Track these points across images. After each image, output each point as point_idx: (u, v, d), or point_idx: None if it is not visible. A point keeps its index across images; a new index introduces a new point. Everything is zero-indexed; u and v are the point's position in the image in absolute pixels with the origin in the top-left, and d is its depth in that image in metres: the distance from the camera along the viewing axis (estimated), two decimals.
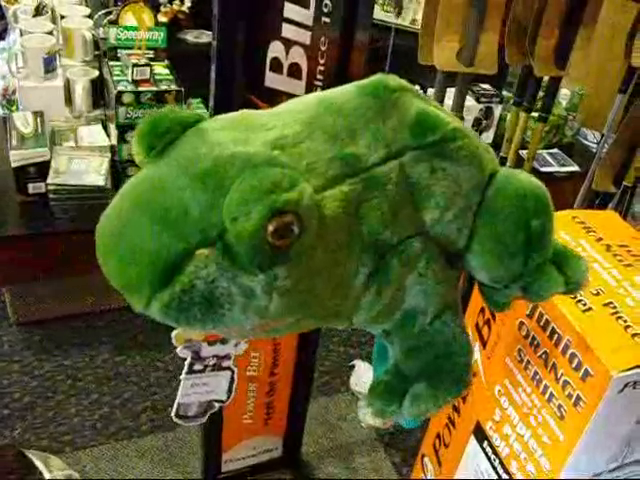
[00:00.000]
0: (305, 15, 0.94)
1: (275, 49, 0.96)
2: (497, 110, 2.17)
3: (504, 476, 0.91)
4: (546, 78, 1.38)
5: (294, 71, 0.99)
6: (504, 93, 2.37)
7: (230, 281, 0.47)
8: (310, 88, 1.02)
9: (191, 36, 2.16)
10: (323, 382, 1.89)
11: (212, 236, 0.47)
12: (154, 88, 1.75)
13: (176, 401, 0.94)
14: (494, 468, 0.94)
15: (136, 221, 0.48)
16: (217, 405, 1.00)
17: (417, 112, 0.60)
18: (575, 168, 2.33)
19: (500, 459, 0.92)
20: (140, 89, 1.74)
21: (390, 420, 1.59)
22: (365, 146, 0.57)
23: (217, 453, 1.49)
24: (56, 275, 1.84)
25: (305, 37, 0.96)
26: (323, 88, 1.02)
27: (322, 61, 0.99)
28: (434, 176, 0.59)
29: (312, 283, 0.53)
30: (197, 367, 0.96)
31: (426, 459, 1.19)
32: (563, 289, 0.68)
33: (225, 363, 1.01)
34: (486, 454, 0.96)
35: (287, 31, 0.95)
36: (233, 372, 1.03)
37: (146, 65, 1.76)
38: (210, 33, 2.25)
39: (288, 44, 0.96)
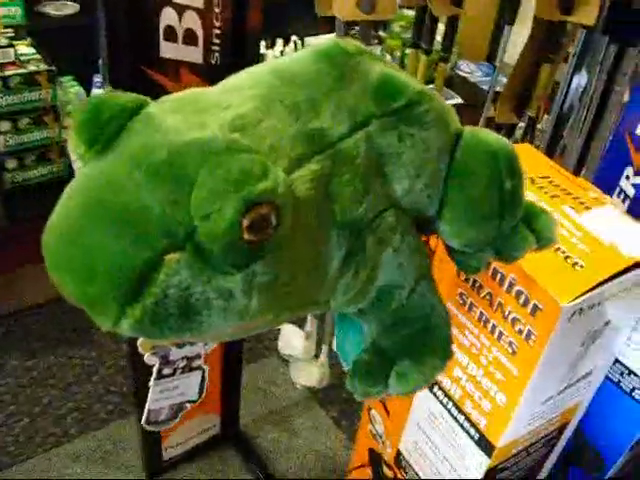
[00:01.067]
0: None
1: (167, 16, 0.89)
2: (377, 51, 2.18)
3: (459, 417, 0.93)
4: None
5: (189, 38, 0.93)
6: (381, 34, 2.38)
7: (206, 285, 0.42)
8: (208, 54, 0.96)
9: (52, 8, 2.00)
10: (247, 349, 1.87)
11: (180, 237, 0.41)
12: (22, 70, 1.62)
13: (145, 408, 0.89)
14: (448, 410, 0.96)
15: (89, 227, 0.41)
16: (188, 405, 0.96)
17: (379, 77, 0.56)
18: (459, 100, 2.39)
19: (453, 401, 0.93)
20: (7, 73, 1.60)
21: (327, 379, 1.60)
22: (329, 118, 0.52)
23: (156, 443, 1.44)
24: None
25: (197, 0, 0.90)
26: (221, 53, 0.97)
27: (218, 24, 0.94)
28: (402, 144, 0.56)
29: (292, 274, 0.48)
30: (166, 371, 0.92)
31: (373, 411, 1.20)
32: (535, 246, 0.67)
33: (195, 363, 0.97)
34: (437, 398, 0.97)
35: None
36: (204, 370, 1.00)
37: (9, 46, 1.62)
38: (72, 3, 2.12)
39: (180, 9, 0.90)
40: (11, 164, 1.70)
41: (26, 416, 1.61)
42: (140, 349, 0.68)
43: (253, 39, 0.99)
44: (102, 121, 0.45)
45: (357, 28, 1.15)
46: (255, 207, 0.40)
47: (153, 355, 0.83)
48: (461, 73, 2.67)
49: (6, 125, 1.65)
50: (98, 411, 1.62)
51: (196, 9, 0.91)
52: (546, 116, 1.60)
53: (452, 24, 1.34)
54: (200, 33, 0.94)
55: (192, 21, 0.92)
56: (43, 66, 1.64)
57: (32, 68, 1.63)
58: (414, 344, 0.64)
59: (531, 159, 0.95)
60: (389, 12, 1.06)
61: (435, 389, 0.97)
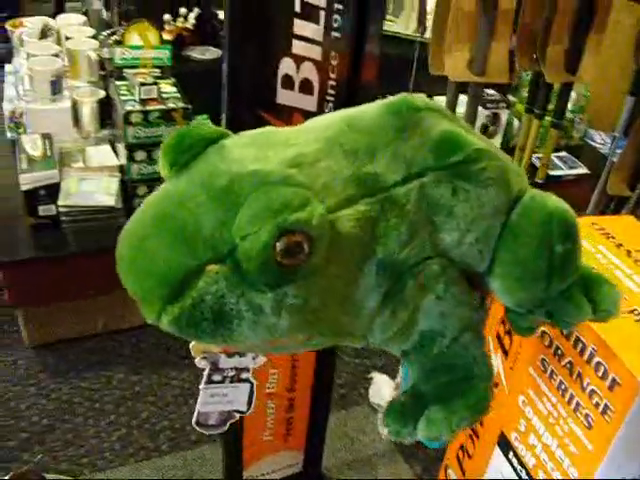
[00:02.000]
0: (315, 30, 0.94)
1: (286, 65, 0.96)
2: (504, 115, 2.16)
3: None
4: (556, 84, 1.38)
5: (305, 87, 0.99)
6: (510, 98, 2.37)
7: (239, 297, 0.48)
8: (322, 103, 1.01)
9: (196, 53, 2.18)
10: (340, 395, 1.88)
11: (223, 252, 0.47)
12: (162, 106, 1.76)
13: (196, 409, 0.94)
14: (520, 478, 0.93)
15: (153, 235, 0.49)
16: (238, 415, 1.00)
17: (440, 132, 0.59)
18: (584, 170, 2.33)
19: (527, 469, 0.91)
20: (148, 108, 1.75)
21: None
22: (384, 166, 0.56)
23: (238, 470, 1.48)
24: (69, 297, 1.85)
25: (316, 52, 0.96)
26: (335, 103, 1.02)
27: (333, 76, 0.99)
28: (455, 197, 0.58)
29: (323, 302, 0.52)
30: (216, 378, 0.96)
31: (450, 470, 1.18)
32: (590, 317, 0.66)
33: (244, 375, 1.01)
34: (512, 464, 0.95)
35: (297, 47, 0.94)
36: (252, 384, 1.03)
37: (153, 84, 1.77)
38: (214, 49, 2.28)
39: (299, 60, 0.96)
40: (142, 190, 1.83)
41: (124, 427, 1.69)
42: (192, 352, 0.73)
43: (367, 92, 1.04)
44: (183, 147, 0.53)
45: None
46: (289, 234, 0.45)
47: (203, 359, 0.88)
48: (592, 143, 2.61)
49: (142, 155, 1.79)
50: (190, 433, 1.68)
51: (314, 60, 0.97)
52: None
53: (566, 90, 1.33)
54: (316, 83, 1.00)
55: (309, 71, 0.98)
56: (180, 104, 1.78)
57: (171, 105, 1.77)
58: (448, 392, 0.64)
59: (632, 231, 0.93)
60: (500, 75, 1.08)
61: (510, 455, 0.95)
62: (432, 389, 0.65)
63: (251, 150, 0.52)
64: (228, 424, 1.02)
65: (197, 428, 0.97)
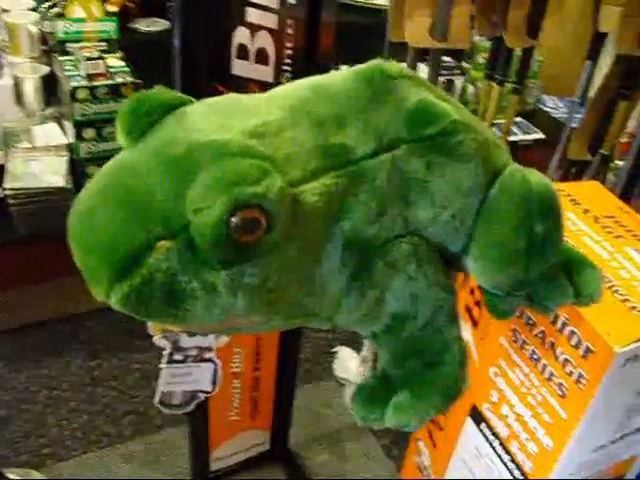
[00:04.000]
0: None
1: (240, 35, 0.92)
2: (459, 82, 2.16)
3: (505, 456, 0.90)
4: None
5: (261, 57, 0.95)
6: (464, 64, 2.36)
7: (192, 276, 0.44)
8: (278, 73, 0.98)
9: (143, 25, 2.09)
10: (305, 370, 1.87)
11: (175, 227, 0.43)
12: (110, 81, 1.69)
13: (158, 389, 0.91)
14: (493, 449, 0.93)
15: (101, 208, 0.45)
16: (202, 396, 0.97)
17: (415, 102, 0.55)
18: (540, 135, 2.34)
19: (500, 440, 0.91)
20: (95, 83, 1.68)
21: None
22: (354, 137, 0.52)
23: (205, 452, 1.46)
24: (20, 282, 1.78)
25: (271, 21, 0.92)
26: (292, 73, 0.98)
27: (289, 45, 0.96)
28: (430, 172, 0.55)
29: (283, 281, 0.49)
30: (177, 357, 0.94)
31: (420, 443, 1.18)
32: (572, 300, 0.64)
33: (207, 355, 0.98)
34: (484, 435, 0.95)
35: (252, 15, 0.91)
36: (216, 364, 1.00)
37: (99, 58, 1.70)
38: (162, 21, 2.20)
39: (254, 29, 0.92)
40: (92, 170, 1.77)
41: (85, 414, 1.65)
42: (150, 330, 0.69)
43: (324, 62, 1.00)
44: (140, 113, 0.48)
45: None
46: (245, 209, 0.42)
47: (163, 338, 0.85)
48: (545, 108, 2.62)
49: (91, 132, 1.72)
50: (153, 416, 1.65)
51: (269, 29, 0.94)
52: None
53: (527, 56, 1.32)
54: (272, 53, 0.96)
55: (265, 40, 0.94)
56: (129, 78, 1.71)
57: (119, 80, 1.70)
58: (418, 378, 0.61)
59: (598, 197, 0.92)
60: (462, 41, 1.05)
61: (482, 425, 0.94)
62: (402, 374, 0.62)
63: (212, 118, 0.48)
64: (194, 404, 0.99)
65: (161, 408, 0.95)
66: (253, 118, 0.49)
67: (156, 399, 0.93)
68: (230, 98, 0.53)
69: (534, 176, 0.59)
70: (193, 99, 0.52)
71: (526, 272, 0.59)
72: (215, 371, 0.96)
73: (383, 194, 0.53)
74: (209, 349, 0.97)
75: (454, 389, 0.61)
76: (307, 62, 0.98)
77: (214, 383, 0.97)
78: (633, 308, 0.74)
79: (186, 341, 0.92)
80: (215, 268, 0.44)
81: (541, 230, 0.57)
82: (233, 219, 0.41)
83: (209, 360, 0.99)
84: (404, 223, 0.55)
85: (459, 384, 0.61)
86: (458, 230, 0.58)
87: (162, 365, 0.91)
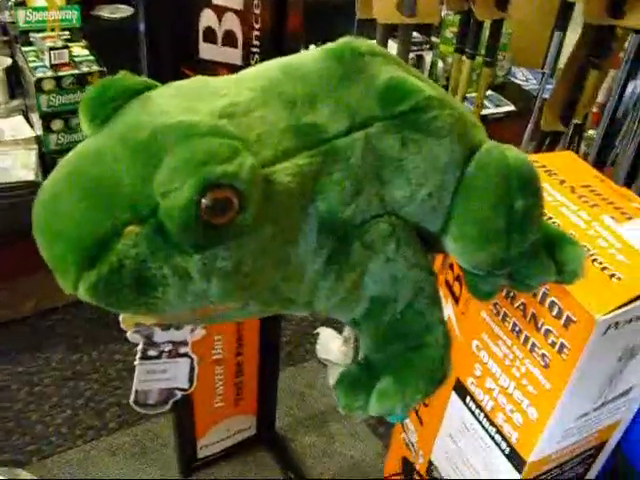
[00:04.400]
0: None
1: (207, 17, 0.90)
2: (428, 57, 2.16)
3: (490, 429, 0.91)
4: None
5: (229, 39, 0.94)
6: (433, 39, 2.36)
7: (163, 262, 0.43)
8: (247, 56, 0.96)
9: (106, 12, 2.06)
10: (287, 352, 1.87)
11: (143, 212, 0.42)
12: (75, 71, 1.66)
13: (133, 387, 0.89)
14: (479, 422, 0.93)
15: (66, 194, 0.43)
16: (179, 393, 0.96)
17: (386, 80, 0.54)
18: (512, 107, 2.35)
19: (485, 413, 0.91)
20: (60, 73, 1.65)
21: None
22: (326, 115, 0.52)
23: (191, 440, 1.46)
24: None
25: (237, 2, 0.90)
26: (261, 55, 0.97)
27: (257, 26, 0.94)
28: (405, 149, 0.53)
29: (258, 265, 0.47)
30: (151, 353, 0.91)
31: (406, 420, 1.18)
32: (553, 278, 0.63)
33: (182, 349, 0.96)
34: (469, 409, 0.95)
35: None
36: (192, 359, 0.99)
37: (64, 47, 1.67)
38: (126, 7, 2.17)
39: (220, 11, 0.90)
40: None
41: (69, 408, 1.64)
42: (122, 325, 0.68)
43: (293, 42, 0.99)
44: (104, 99, 0.47)
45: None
46: (215, 189, 0.40)
47: (136, 333, 0.83)
48: (515, 80, 2.63)
49: (59, 124, 1.69)
50: None
51: (235, 11, 0.92)
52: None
53: (497, 28, 1.31)
54: (239, 35, 0.94)
55: (231, 23, 0.93)
56: (95, 67, 1.68)
57: (85, 69, 1.67)
58: (401, 362, 0.59)
59: (573, 167, 0.92)
60: (431, 16, 1.04)
61: (467, 399, 0.95)
62: (384, 359, 0.60)
63: (178, 101, 0.47)
64: (170, 403, 0.98)
65: (136, 408, 0.93)
66: (222, 99, 0.48)
67: (131, 398, 0.92)
68: (197, 80, 0.52)
69: (511, 152, 0.58)
70: (158, 84, 0.51)
71: (507, 250, 0.57)
72: (192, 367, 0.94)
73: (358, 173, 0.52)
74: (184, 343, 0.95)
75: (439, 372, 0.60)
76: (276, 43, 0.97)
77: (191, 380, 0.96)
78: (612, 276, 0.74)
79: (160, 335, 0.90)
80: (187, 253, 0.43)
81: (521, 206, 0.56)
82: (203, 200, 0.40)
83: (185, 355, 0.97)
84: (380, 203, 0.54)
85: (444, 367, 0.60)
86: (436, 209, 0.57)
87: (136, 362, 0.90)
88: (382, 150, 0.53)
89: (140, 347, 0.88)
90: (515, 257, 0.59)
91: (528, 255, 0.60)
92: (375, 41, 1.14)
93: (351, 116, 0.52)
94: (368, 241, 0.54)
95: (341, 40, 0.56)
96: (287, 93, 0.51)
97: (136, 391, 0.93)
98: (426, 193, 0.56)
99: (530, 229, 0.58)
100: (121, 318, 0.68)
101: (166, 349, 0.89)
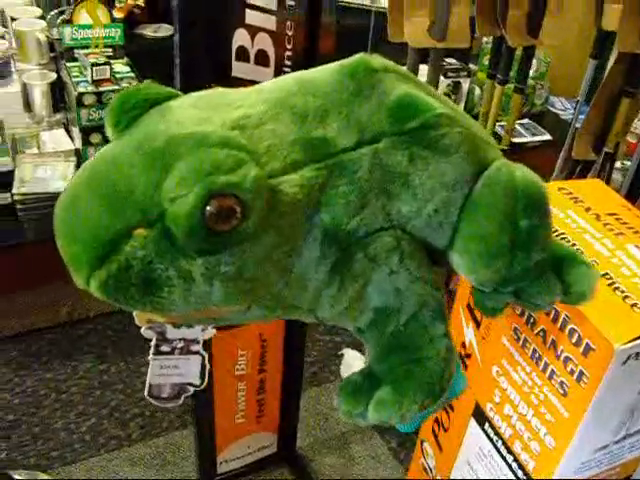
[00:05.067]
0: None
1: (240, 37, 0.92)
2: (465, 84, 2.15)
3: (508, 457, 0.90)
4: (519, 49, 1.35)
5: (261, 58, 0.96)
6: (471, 66, 2.36)
7: (169, 264, 0.45)
8: (278, 75, 0.98)
9: (149, 31, 2.11)
10: (312, 373, 1.87)
11: (152, 216, 0.45)
12: (115, 87, 1.71)
13: (147, 381, 0.91)
14: (497, 449, 0.92)
15: (83, 197, 0.47)
16: (192, 389, 0.97)
17: (398, 96, 0.55)
18: (548, 137, 2.33)
19: (503, 440, 0.90)
20: (101, 89, 1.69)
21: None
22: (336, 130, 0.53)
23: (211, 455, 1.46)
24: (29, 286, 1.79)
25: (270, 22, 0.92)
26: None
27: (289, 46, 0.96)
28: (413, 165, 0.54)
29: (260, 271, 0.49)
30: (164, 349, 0.94)
31: (425, 444, 1.17)
32: (559, 298, 0.63)
33: (194, 347, 0.98)
34: (488, 436, 0.94)
35: (251, 17, 0.91)
36: (203, 357, 1.00)
37: (105, 64, 1.71)
38: (168, 26, 2.22)
39: (253, 31, 0.92)
40: None
41: (94, 417, 1.66)
42: (136, 320, 0.70)
43: (325, 63, 1.00)
44: (127, 107, 0.50)
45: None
46: (220, 197, 0.43)
47: (149, 329, 0.85)
48: (553, 109, 2.61)
49: (97, 137, 1.74)
50: (161, 419, 1.65)
51: (269, 31, 0.94)
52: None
53: (528, 54, 1.31)
54: (272, 54, 0.96)
55: (264, 42, 0.95)
56: (135, 83, 1.72)
57: (124, 85, 1.72)
58: (401, 373, 0.59)
59: (600, 195, 0.92)
60: (461, 40, 1.05)
61: (486, 426, 0.94)
62: (386, 369, 0.60)
63: (195, 111, 0.50)
64: (182, 397, 0.99)
65: (150, 400, 0.95)
66: (236, 111, 0.50)
67: (146, 391, 0.94)
68: (217, 92, 0.54)
69: (521, 171, 0.58)
70: (180, 93, 0.53)
71: (510, 268, 0.58)
72: (203, 365, 0.96)
73: (364, 187, 0.53)
74: (196, 341, 0.97)
75: (438, 386, 0.59)
76: (307, 64, 0.98)
77: (203, 377, 0.97)
78: (634, 305, 0.73)
79: (172, 332, 0.92)
80: (191, 256, 0.45)
81: (525, 225, 0.56)
82: (208, 208, 0.42)
83: (196, 352, 0.99)
84: (386, 216, 0.55)
85: (444, 381, 0.60)
86: (442, 224, 0.58)
87: (150, 357, 0.92)
88: (390, 165, 0.54)
89: (153, 342, 0.90)
90: (519, 275, 0.59)
91: (533, 274, 0.60)
92: (406, 66, 1.15)
93: (360, 131, 0.54)
94: (372, 253, 0.55)
95: (356, 56, 0.57)
96: (299, 106, 0.53)
97: (150, 385, 0.95)
98: (432, 209, 0.56)
99: (534, 248, 0.58)
100: (135, 314, 0.70)
101: (178, 346, 0.91)
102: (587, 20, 1.36)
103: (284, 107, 0.52)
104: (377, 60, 0.57)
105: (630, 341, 0.70)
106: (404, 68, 0.59)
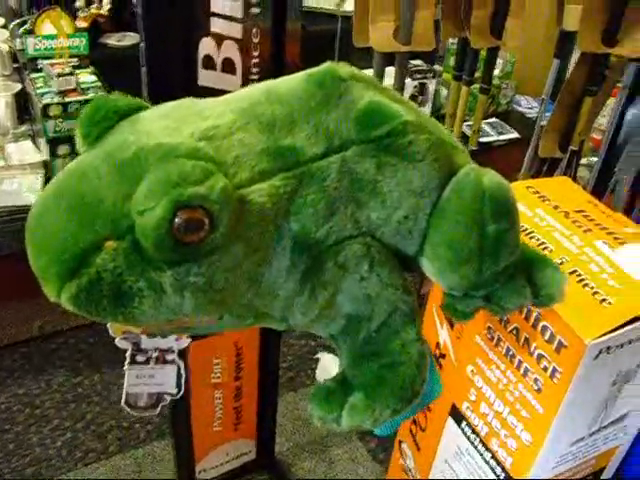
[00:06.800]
0: (234, 7, 0.90)
1: (206, 45, 0.92)
2: (432, 85, 2.18)
3: (486, 454, 0.91)
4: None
5: (228, 66, 0.96)
6: (436, 67, 2.38)
7: (139, 275, 0.45)
8: (245, 83, 0.98)
9: (113, 40, 2.10)
10: (288, 378, 1.87)
11: (122, 228, 0.45)
12: (82, 97, 1.69)
13: (124, 390, 0.91)
14: (475, 447, 0.93)
15: (52, 209, 0.46)
16: (168, 398, 0.97)
17: (365, 104, 0.55)
18: (515, 135, 2.36)
19: (480, 438, 0.91)
20: (67, 100, 1.67)
21: None
22: (304, 139, 0.53)
23: (190, 464, 1.45)
24: (0, 301, 1.77)
25: (236, 30, 0.92)
26: (259, 82, 0.99)
27: (256, 53, 0.96)
28: (381, 172, 0.55)
29: (231, 281, 0.49)
30: (139, 359, 0.93)
31: (404, 445, 1.18)
32: (529, 301, 0.64)
33: (169, 357, 0.98)
34: (465, 434, 0.95)
35: (217, 25, 0.91)
36: (179, 367, 1.00)
37: (71, 74, 1.69)
38: (133, 34, 2.21)
39: (219, 39, 0.92)
40: None
41: (69, 431, 1.64)
42: (110, 331, 0.70)
43: (292, 70, 1.01)
44: (97, 119, 0.50)
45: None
46: (187, 209, 0.43)
47: (124, 340, 0.85)
48: (519, 108, 2.65)
49: (65, 149, 1.72)
50: (138, 430, 1.64)
51: (235, 39, 0.94)
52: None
53: (492, 56, 1.33)
54: (238, 62, 0.96)
55: (231, 50, 0.95)
56: (101, 93, 1.71)
57: (91, 95, 1.70)
58: (373, 378, 0.59)
59: (567, 192, 0.93)
60: (426, 43, 1.06)
61: (463, 424, 0.95)
62: (359, 375, 0.60)
63: (165, 122, 0.50)
64: (159, 406, 0.99)
65: (127, 409, 0.95)
66: (205, 122, 0.50)
67: (122, 400, 0.94)
68: (186, 102, 0.54)
69: (488, 175, 0.58)
70: (150, 105, 0.53)
71: (479, 272, 0.58)
72: (179, 374, 0.96)
73: (333, 195, 0.53)
74: (171, 350, 0.97)
75: (410, 390, 0.60)
76: (274, 71, 0.98)
77: (179, 386, 0.97)
78: (603, 301, 0.74)
79: (146, 342, 0.92)
80: (161, 268, 0.45)
81: (493, 230, 0.57)
82: (176, 220, 0.43)
83: (172, 362, 0.98)
84: (356, 224, 0.56)
85: (416, 385, 0.60)
86: (412, 231, 0.58)
87: (125, 367, 0.92)
88: (358, 173, 0.55)
89: (129, 353, 0.90)
90: (488, 280, 0.60)
91: (503, 278, 0.61)
92: (372, 69, 1.16)
93: (329, 139, 0.54)
94: (341, 261, 0.55)
95: (323, 65, 0.58)
96: (267, 116, 0.53)
97: (127, 393, 0.95)
98: (402, 215, 0.57)
99: (503, 253, 0.59)
100: (109, 325, 0.70)
101: (153, 355, 0.91)
102: (550, 20, 1.39)
103: (252, 117, 0.52)
104: (344, 69, 0.58)
105: (601, 336, 0.71)
106: (372, 75, 0.60)
